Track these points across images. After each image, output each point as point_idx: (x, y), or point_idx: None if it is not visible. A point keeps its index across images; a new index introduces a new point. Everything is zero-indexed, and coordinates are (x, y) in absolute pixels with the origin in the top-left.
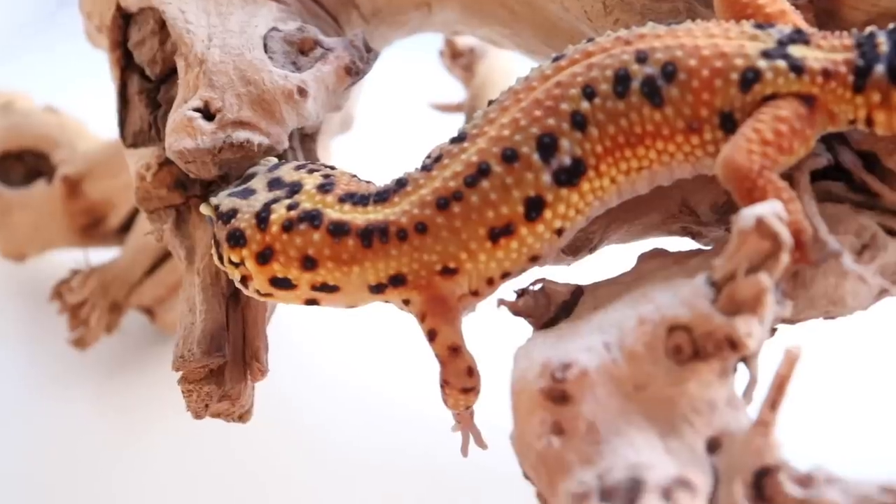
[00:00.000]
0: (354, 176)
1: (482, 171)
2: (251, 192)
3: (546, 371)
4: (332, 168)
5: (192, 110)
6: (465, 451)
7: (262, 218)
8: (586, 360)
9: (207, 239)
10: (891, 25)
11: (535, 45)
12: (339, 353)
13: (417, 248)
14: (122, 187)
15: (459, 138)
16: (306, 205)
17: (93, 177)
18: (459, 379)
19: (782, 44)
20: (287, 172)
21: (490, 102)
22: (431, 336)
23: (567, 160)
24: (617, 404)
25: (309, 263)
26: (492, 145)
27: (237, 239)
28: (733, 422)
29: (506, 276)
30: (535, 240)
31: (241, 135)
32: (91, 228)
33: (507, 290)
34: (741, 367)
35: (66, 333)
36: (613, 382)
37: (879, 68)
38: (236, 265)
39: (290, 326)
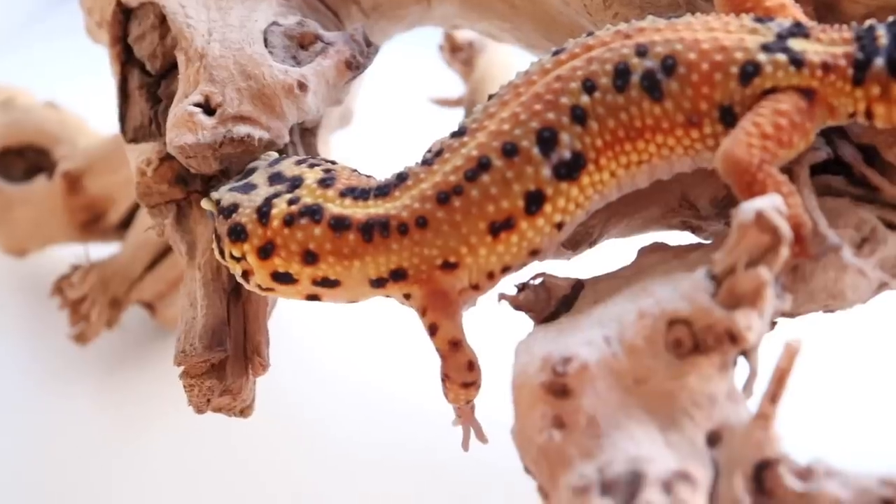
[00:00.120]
0: (355, 170)
1: (482, 165)
2: (252, 186)
3: (547, 365)
4: (333, 163)
5: (192, 105)
6: (465, 445)
7: (263, 212)
8: (587, 353)
9: (208, 234)
10: (890, 18)
11: (534, 39)
12: (340, 348)
13: (418, 242)
14: (123, 183)
15: (459, 132)
16: (307, 199)
17: (93, 172)
18: (460, 373)
19: (782, 37)
20: (288, 167)
21: (490, 97)
22: (432, 330)
23: (567, 154)
24: (617, 398)
25: (310, 258)
26: (492, 139)
27: (238, 233)
28: (733, 415)
29: (506, 270)
30: (535, 234)
31: (242, 129)
32: (91, 224)
33: (508, 284)
34: (741, 360)
35: (66, 329)
36: (614, 376)
37: (879, 61)
38: (238, 260)
39: (291, 321)
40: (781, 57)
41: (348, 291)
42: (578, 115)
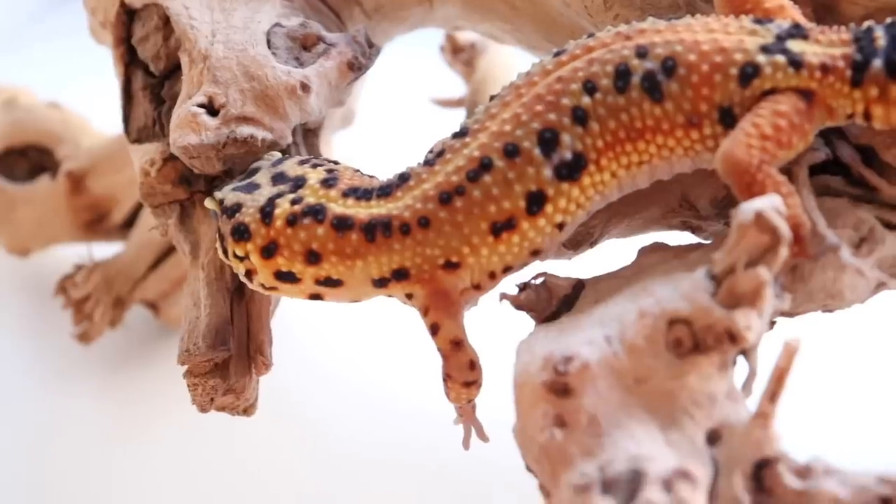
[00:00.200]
0: (357, 171)
1: (484, 165)
2: (255, 186)
3: (548, 364)
4: (336, 163)
5: (196, 106)
6: (466, 444)
7: (266, 212)
8: (588, 353)
9: (212, 234)
10: (888, 20)
11: (535, 40)
12: (343, 347)
13: (420, 242)
14: (126, 183)
15: (461, 133)
16: (310, 199)
17: (96, 172)
18: (462, 372)
19: (781, 39)
20: (291, 167)
21: (491, 97)
22: (434, 330)
23: (568, 155)
24: (618, 397)
25: (313, 257)
26: (493, 140)
27: (242, 233)
28: (733, 414)
29: (507, 270)
30: (536, 234)
31: (245, 130)
32: (95, 224)
33: (510, 284)
34: (741, 360)
35: (70, 328)
36: (614, 375)
37: (877, 63)
38: (241, 259)
39: (294, 321)
40: (780, 58)
41: (351, 291)
42: (579, 116)
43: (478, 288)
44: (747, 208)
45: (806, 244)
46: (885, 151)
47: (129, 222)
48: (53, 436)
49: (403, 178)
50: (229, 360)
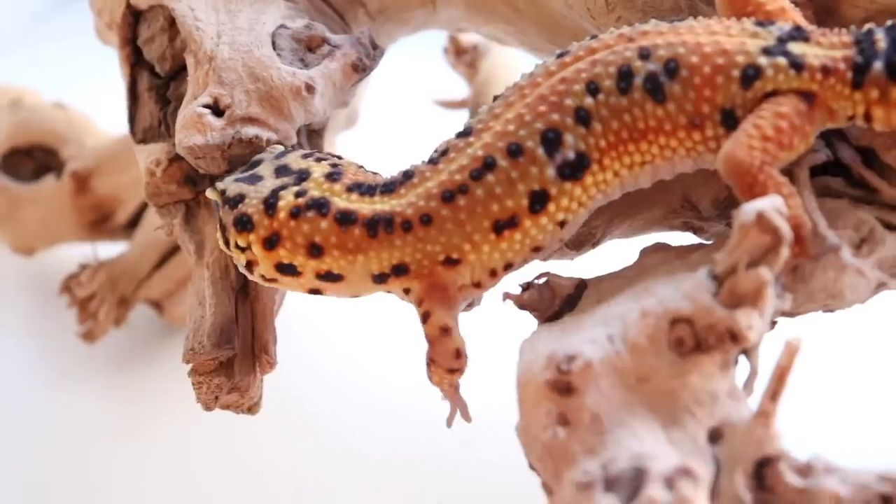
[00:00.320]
0: (361, 166)
1: (488, 165)
2: (258, 178)
3: (551, 363)
4: (339, 157)
5: (201, 107)
6: (450, 422)
7: (269, 204)
8: (590, 352)
9: (216, 232)
10: (889, 22)
11: (538, 42)
12: (346, 346)
13: (422, 238)
14: (131, 183)
15: (465, 133)
16: (314, 192)
17: (101, 172)
18: (447, 359)
19: (782, 41)
20: (294, 160)
21: (495, 98)
22: (425, 318)
23: (571, 155)
24: (620, 396)
25: (315, 251)
26: (497, 140)
27: (244, 224)
28: (734, 413)
29: (508, 267)
30: (538, 231)
31: (250, 131)
32: (99, 223)
33: (513, 284)
34: (742, 359)
35: (74, 327)
36: (617, 374)
37: (878, 65)
38: (242, 250)
39: (298, 320)
40: (782, 60)
41: (350, 286)
42: (582, 117)
43: (478, 286)
44: (749, 209)
45: (807, 244)
46: (885, 153)
47: (134, 222)
48: (58, 434)
49: (407, 176)
50: (234, 358)
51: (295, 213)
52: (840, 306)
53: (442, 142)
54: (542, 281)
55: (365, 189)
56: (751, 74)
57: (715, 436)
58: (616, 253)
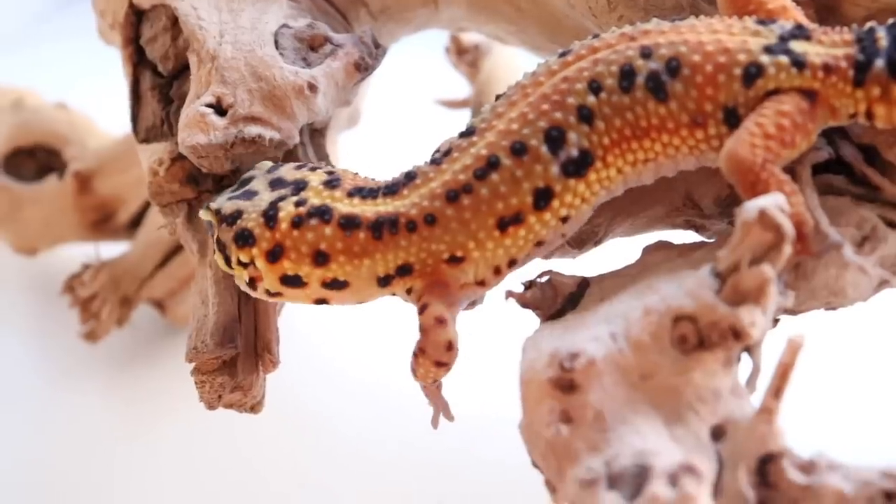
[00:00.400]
0: (356, 173)
1: (492, 163)
2: (253, 193)
3: (554, 361)
4: (332, 167)
5: (204, 106)
6: (435, 423)
7: (270, 216)
8: (593, 349)
9: (214, 253)
10: (890, 20)
11: (540, 41)
12: (348, 345)
13: (426, 238)
14: (133, 183)
15: (468, 132)
16: (314, 200)
17: (103, 173)
18: (437, 350)
19: (784, 39)
20: (288, 172)
21: (497, 97)
22: (422, 309)
23: (575, 152)
24: (623, 393)
25: (321, 258)
26: (501, 139)
27: (246, 238)
28: (737, 410)
29: (512, 263)
30: (541, 227)
31: (253, 130)
32: (102, 223)
33: (515, 282)
34: (745, 356)
35: (77, 327)
36: (620, 372)
37: (879, 63)
38: (245, 265)
39: (300, 319)
40: (784, 59)
41: (356, 293)
42: (585, 115)
43: (482, 284)
44: (751, 206)
45: (809, 242)
46: (887, 150)
47: (136, 222)
48: (61, 433)
49: (410, 177)
50: (237, 357)
51: (297, 223)
52: (842, 304)
53: (443, 142)
54: (544, 279)
55: (366, 193)
56: (753, 73)
57: (718, 433)
58: (618, 251)
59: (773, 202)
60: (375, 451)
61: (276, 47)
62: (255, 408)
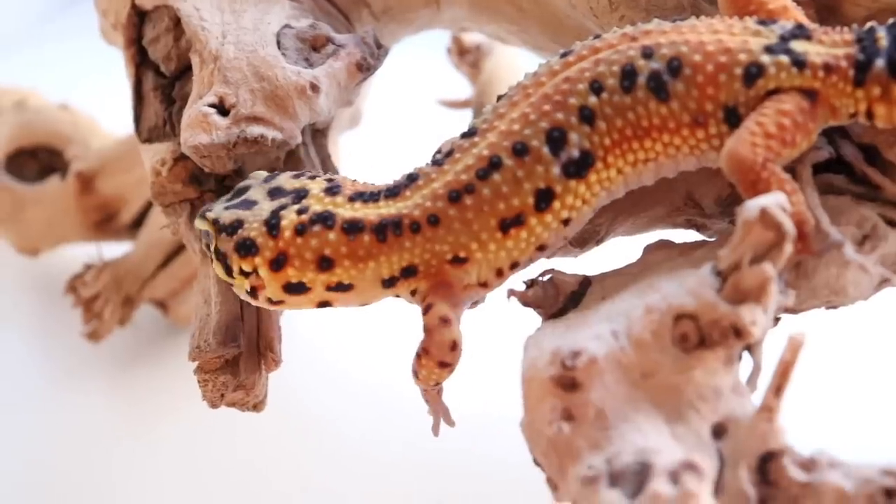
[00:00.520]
0: (355, 180)
1: (493, 164)
2: (252, 202)
3: (556, 359)
4: (332, 175)
5: (206, 106)
6: (436, 430)
7: (272, 225)
8: (595, 348)
9: (211, 262)
10: (890, 20)
11: (541, 41)
12: (350, 345)
13: (430, 239)
14: (135, 183)
15: (470, 133)
16: (316, 207)
17: (105, 173)
18: (441, 350)
19: (785, 39)
20: (286, 181)
21: (499, 98)
22: (426, 310)
23: (576, 153)
24: (625, 391)
25: (325, 264)
26: (502, 139)
27: (248, 248)
28: (738, 408)
29: (514, 266)
30: (543, 229)
31: (256, 130)
32: (104, 224)
33: (517, 281)
34: (746, 355)
35: (79, 326)
36: (621, 370)
37: (879, 62)
38: (247, 275)
39: (302, 321)
40: (784, 58)
41: (360, 294)
42: (587, 116)
43: (484, 285)
44: (752, 205)
45: (810, 241)
46: (887, 150)
47: (138, 222)
48: (63, 433)
49: (412, 179)
50: (239, 356)
51: (300, 230)
52: (843, 303)
53: (444, 142)
54: (546, 278)
55: (368, 197)
56: (753, 72)
57: (719, 431)
58: (620, 250)
59: (774, 201)
60: (378, 451)
61: (279, 47)
62: (257, 406)
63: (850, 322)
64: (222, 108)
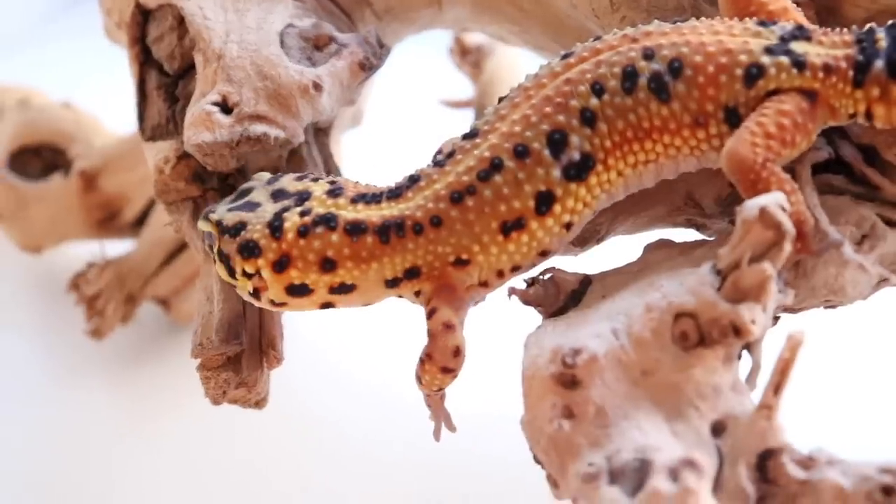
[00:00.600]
0: (357, 182)
1: (495, 166)
2: (255, 204)
3: (557, 357)
4: (334, 177)
5: (210, 104)
6: (437, 435)
7: (275, 227)
8: (595, 346)
9: (214, 263)
10: (890, 22)
11: (543, 42)
12: (352, 345)
13: (432, 240)
14: (138, 181)
15: (471, 134)
16: (319, 209)
17: (108, 171)
18: (444, 356)
19: (785, 40)
20: (289, 183)
21: (500, 99)
22: (430, 314)
23: (576, 155)
24: (625, 389)
25: (328, 265)
26: (504, 141)
27: (251, 250)
28: (737, 406)
29: (516, 269)
30: (544, 234)
31: (258, 128)
32: (107, 222)
33: (518, 279)
34: (745, 353)
35: (82, 324)
36: (621, 368)
37: (879, 63)
38: (250, 276)
39: (304, 321)
40: (784, 59)
41: (363, 295)
42: (588, 118)
43: (485, 285)
44: (752, 204)
45: (809, 240)
46: (886, 150)
47: (141, 220)
48: (65, 430)
49: (413, 180)
50: (241, 354)
51: (303, 232)
52: (842, 302)
53: (444, 143)
54: (546, 276)
55: (370, 198)
56: (754, 73)
57: (718, 428)
58: (620, 249)
59: (773, 200)
60: (378, 451)
61: (282, 46)
62: (259, 404)
63: (848, 321)
64: (225, 107)
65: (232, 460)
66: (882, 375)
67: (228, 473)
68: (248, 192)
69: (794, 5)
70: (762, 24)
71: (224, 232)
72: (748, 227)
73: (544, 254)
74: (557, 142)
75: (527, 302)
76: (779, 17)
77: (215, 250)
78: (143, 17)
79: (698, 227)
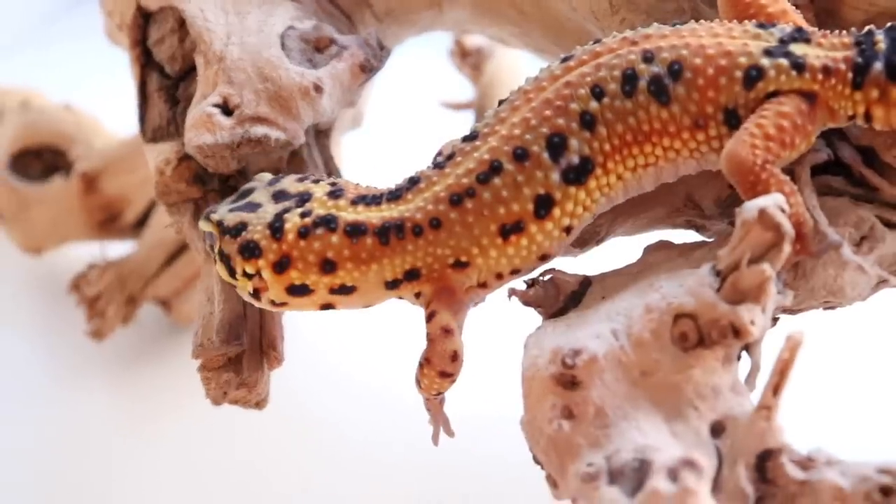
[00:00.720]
0: (358, 183)
1: (494, 168)
2: (256, 205)
3: (556, 357)
4: (335, 178)
5: (211, 106)
6: (436, 439)
7: (276, 228)
8: (595, 346)
9: (215, 263)
10: (889, 24)
11: (543, 44)
12: (352, 347)
13: (432, 242)
14: (138, 183)
15: (471, 137)
16: (320, 211)
17: (109, 173)
18: (442, 360)
19: (784, 42)
20: (290, 184)
21: (500, 102)
22: (429, 317)
23: (576, 159)
24: (624, 389)
25: (328, 266)
26: (503, 144)
27: (252, 250)
28: (737, 407)
29: (515, 272)
30: (544, 237)
31: (259, 130)
32: (108, 223)
33: (518, 280)
34: (744, 354)
35: (83, 325)
36: (621, 368)
37: (878, 65)
38: (249, 277)
39: (304, 323)
40: (784, 61)
41: (363, 296)
42: (587, 121)
43: (484, 286)
44: (751, 206)
45: (808, 242)
46: (885, 152)
47: (142, 222)
48: (66, 431)
49: (413, 182)
50: (242, 354)
51: (303, 233)
52: (841, 303)
53: (444, 144)
54: (546, 278)
55: (370, 200)
56: (753, 75)
57: (717, 429)
58: (620, 250)
59: (772, 202)
60: (378, 452)
61: (283, 49)
62: (259, 404)
63: (848, 322)
64: (226, 109)
65: (232, 461)
66: (881, 376)
67: (229, 474)
68: (249, 192)
69: (794, 7)
70: (761, 26)
71: (225, 232)
72: (747, 228)
73: (544, 258)
74: (557, 145)
75: (527, 303)
76: (778, 19)
77: (216, 250)
78: (145, 19)
79: (698, 229)
